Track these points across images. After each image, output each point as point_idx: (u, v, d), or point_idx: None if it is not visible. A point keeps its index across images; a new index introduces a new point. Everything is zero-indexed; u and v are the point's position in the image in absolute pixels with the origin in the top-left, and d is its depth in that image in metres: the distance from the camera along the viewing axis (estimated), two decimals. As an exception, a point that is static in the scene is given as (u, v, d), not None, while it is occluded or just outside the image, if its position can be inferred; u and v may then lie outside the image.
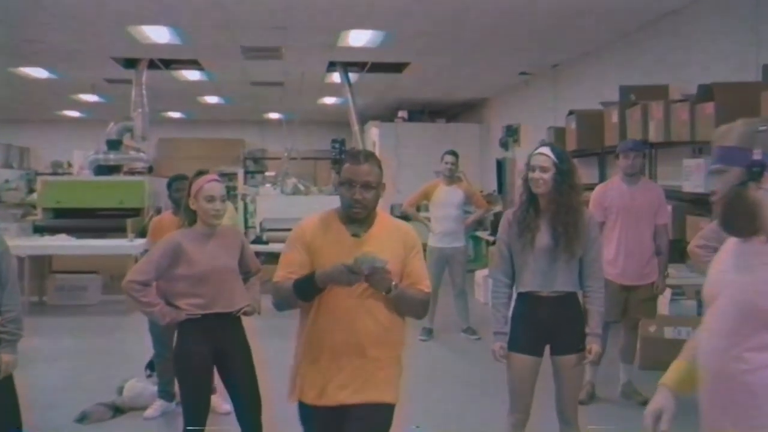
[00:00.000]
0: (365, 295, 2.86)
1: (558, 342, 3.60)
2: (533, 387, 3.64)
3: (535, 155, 3.56)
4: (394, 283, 2.83)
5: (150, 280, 3.74)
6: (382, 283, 2.79)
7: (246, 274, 3.97)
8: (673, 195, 6.84)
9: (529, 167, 3.54)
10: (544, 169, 3.49)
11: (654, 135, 7.02)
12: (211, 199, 3.68)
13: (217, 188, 3.73)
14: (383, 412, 2.95)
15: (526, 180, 3.60)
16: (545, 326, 3.58)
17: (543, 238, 3.54)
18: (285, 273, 2.91)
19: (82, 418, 5.22)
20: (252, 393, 3.75)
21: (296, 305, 2.93)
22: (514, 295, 3.70)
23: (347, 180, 2.86)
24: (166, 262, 3.69)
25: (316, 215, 3.01)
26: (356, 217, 2.89)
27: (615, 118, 7.80)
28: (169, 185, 5.59)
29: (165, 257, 3.70)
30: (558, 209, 3.52)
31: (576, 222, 3.52)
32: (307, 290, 2.83)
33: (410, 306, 2.96)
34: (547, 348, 3.65)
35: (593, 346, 3.58)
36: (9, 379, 3.43)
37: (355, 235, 2.91)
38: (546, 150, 3.56)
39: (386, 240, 2.93)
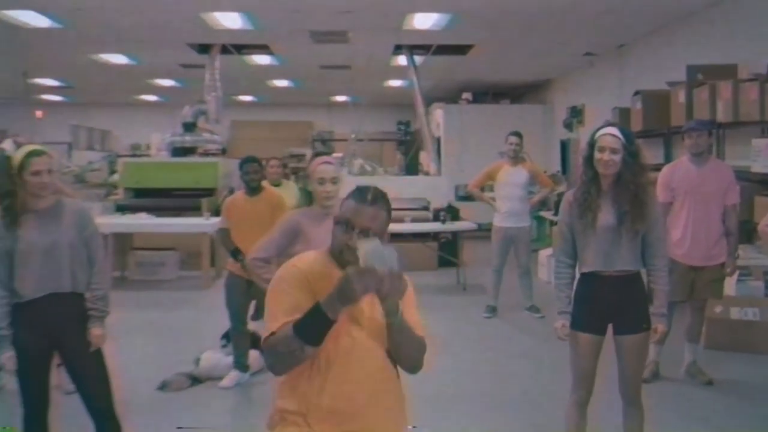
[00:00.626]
0: (364, 334, 2.26)
1: (621, 322, 3.55)
2: (596, 365, 3.59)
3: (603, 136, 3.46)
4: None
5: (270, 258, 3.83)
6: (397, 290, 2.11)
7: None
8: (741, 175, 6.62)
9: (597, 148, 3.46)
10: (614, 151, 3.41)
11: (722, 115, 6.82)
12: (322, 181, 3.70)
13: (328, 171, 3.73)
14: None
15: (588, 159, 3.51)
16: (608, 306, 3.53)
17: (605, 217, 3.47)
18: (284, 321, 2.16)
19: (163, 387, 5.39)
20: None
21: (300, 358, 2.14)
22: (577, 275, 3.66)
23: (345, 220, 2.24)
24: (285, 241, 3.77)
25: (305, 256, 2.38)
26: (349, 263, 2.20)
27: (682, 98, 7.60)
28: (240, 167, 5.69)
29: (284, 236, 3.78)
30: (624, 188, 3.45)
31: (645, 201, 3.46)
32: (314, 327, 2.09)
33: (411, 345, 2.29)
34: (610, 328, 3.60)
35: (659, 325, 3.53)
36: (99, 352, 3.56)
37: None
38: (615, 131, 3.47)
39: None
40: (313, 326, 2.09)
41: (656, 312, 3.54)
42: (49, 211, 3.48)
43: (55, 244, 3.43)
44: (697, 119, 6.15)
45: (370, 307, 2.25)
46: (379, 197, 2.28)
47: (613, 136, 3.44)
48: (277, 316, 2.17)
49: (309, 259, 2.33)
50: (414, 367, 2.35)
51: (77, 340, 3.50)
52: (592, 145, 3.51)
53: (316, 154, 3.93)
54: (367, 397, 2.22)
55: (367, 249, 2.06)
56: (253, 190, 5.57)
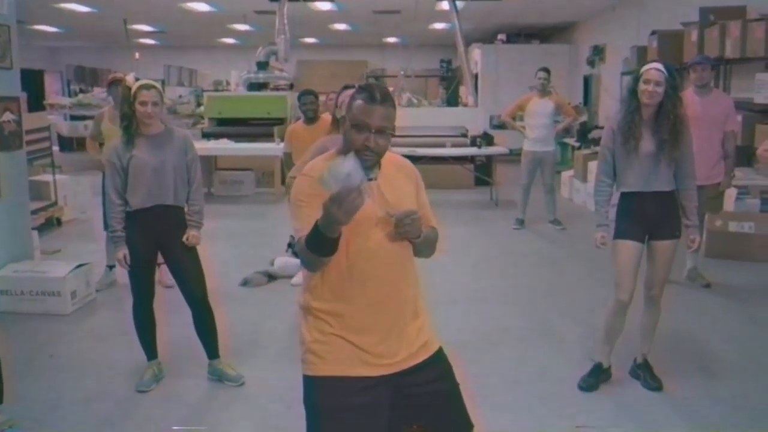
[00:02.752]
0: (391, 239, 1.99)
1: (657, 229, 3.47)
2: (637, 271, 3.49)
3: (649, 70, 3.33)
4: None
5: None
6: (413, 228, 1.94)
7: None
8: (744, 106, 6.41)
9: (643, 80, 3.32)
10: (658, 84, 3.29)
11: (731, 51, 6.53)
12: None
13: None
14: (445, 356, 2.15)
15: (633, 91, 3.39)
16: (647, 218, 3.45)
17: (646, 144, 3.37)
18: (305, 232, 1.93)
19: (245, 283, 5.54)
20: None
21: (323, 262, 1.93)
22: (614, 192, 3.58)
23: (359, 122, 1.91)
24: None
25: (317, 162, 2.09)
26: (365, 165, 1.89)
27: (694, 37, 7.27)
28: (298, 98, 5.63)
29: (315, 157, 3.73)
30: (664, 118, 3.33)
31: (681, 130, 3.35)
32: (319, 243, 1.86)
33: (429, 247, 2.12)
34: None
35: (696, 237, 3.51)
36: (195, 253, 3.65)
37: (369, 179, 1.93)
38: (660, 66, 3.34)
39: (398, 178, 2.07)
40: (318, 243, 1.85)
41: (690, 225, 3.48)
42: (160, 136, 3.54)
43: (162, 165, 3.49)
44: (701, 55, 5.90)
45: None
46: (387, 95, 1.94)
47: (658, 70, 3.31)
48: (299, 226, 1.96)
49: (319, 165, 2.01)
50: (429, 255, 2.15)
51: (178, 242, 3.58)
52: (637, 78, 3.38)
53: (345, 87, 3.82)
54: (388, 291, 1.98)
55: (326, 175, 1.71)
56: (310, 119, 5.53)
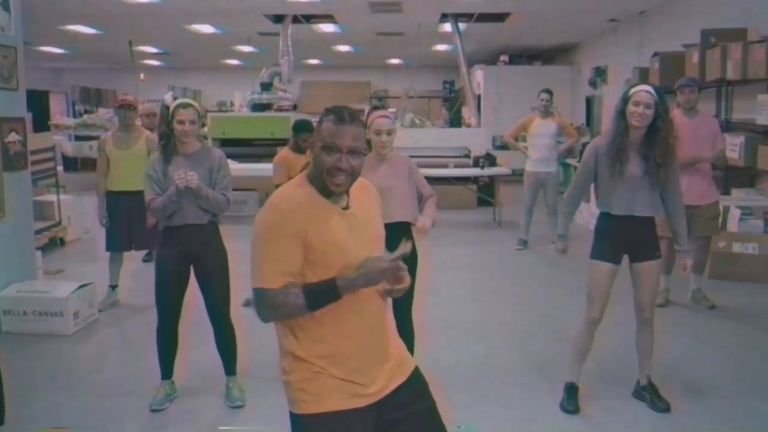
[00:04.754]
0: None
1: (637, 252, 3.47)
2: (610, 291, 3.51)
3: (638, 92, 3.31)
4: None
5: None
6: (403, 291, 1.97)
7: (419, 197, 3.72)
8: (746, 127, 6.44)
9: (632, 102, 3.30)
10: (648, 106, 3.27)
11: (732, 73, 6.56)
12: (378, 132, 3.53)
13: (384, 123, 3.56)
14: (421, 374, 2.12)
15: (622, 113, 3.36)
16: (625, 240, 3.45)
17: (633, 168, 3.35)
18: (282, 278, 1.86)
19: (247, 304, 5.51)
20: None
21: (300, 316, 1.90)
22: (582, 209, 3.59)
23: (330, 144, 1.86)
24: None
25: (288, 191, 1.94)
26: (338, 190, 1.89)
27: (695, 58, 7.31)
28: (297, 133, 5.11)
29: None
30: (656, 141, 3.31)
31: (670, 153, 3.34)
32: (325, 300, 1.85)
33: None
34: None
35: (687, 261, 3.52)
36: (226, 270, 3.74)
37: (345, 207, 1.94)
38: (650, 89, 3.33)
39: (367, 202, 2.04)
40: (325, 299, 1.85)
41: (682, 249, 3.49)
42: (195, 155, 3.59)
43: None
44: (688, 76, 5.92)
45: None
46: (356, 115, 1.90)
47: (648, 92, 3.30)
48: (273, 272, 1.87)
49: (291, 194, 1.93)
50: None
51: (209, 259, 3.64)
52: (626, 100, 3.36)
53: (374, 108, 3.82)
54: (368, 322, 1.96)
55: (401, 251, 1.86)
56: (303, 150, 5.08)
